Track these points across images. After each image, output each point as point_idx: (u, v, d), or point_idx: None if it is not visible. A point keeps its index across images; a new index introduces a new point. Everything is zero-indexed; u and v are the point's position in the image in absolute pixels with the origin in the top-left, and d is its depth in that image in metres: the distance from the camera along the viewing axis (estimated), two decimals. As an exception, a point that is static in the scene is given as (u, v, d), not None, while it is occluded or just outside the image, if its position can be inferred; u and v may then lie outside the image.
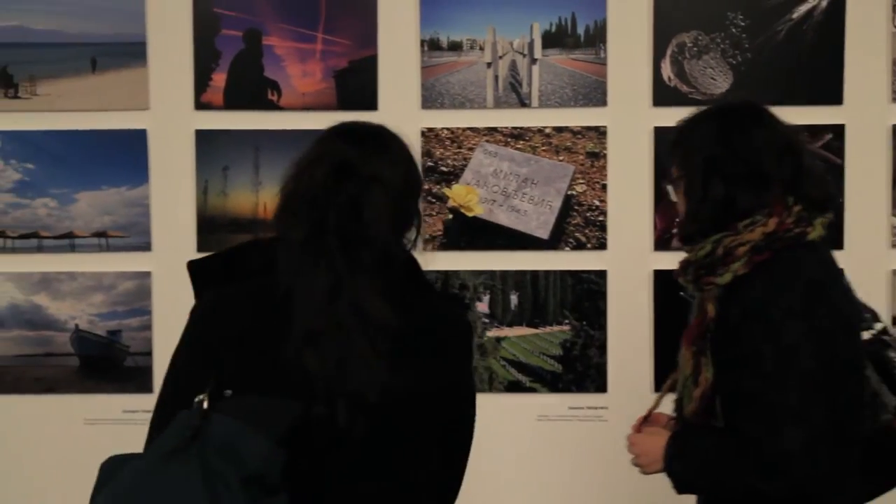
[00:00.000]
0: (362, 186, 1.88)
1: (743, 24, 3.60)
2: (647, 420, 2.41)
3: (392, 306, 1.84)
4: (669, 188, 2.36)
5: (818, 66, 3.60)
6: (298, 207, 1.88)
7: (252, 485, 1.74)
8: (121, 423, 3.66)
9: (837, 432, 2.05)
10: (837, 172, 3.58)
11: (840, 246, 3.58)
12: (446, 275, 3.61)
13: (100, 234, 3.66)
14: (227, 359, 1.85)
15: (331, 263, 1.84)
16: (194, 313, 1.96)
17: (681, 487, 2.21)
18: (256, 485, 1.74)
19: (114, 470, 1.84)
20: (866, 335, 2.28)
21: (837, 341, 2.07)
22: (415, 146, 3.50)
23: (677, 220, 2.33)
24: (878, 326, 2.32)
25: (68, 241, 3.66)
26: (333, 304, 1.82)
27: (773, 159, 2.17)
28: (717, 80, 3.61)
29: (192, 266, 2.01)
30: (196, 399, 1.80)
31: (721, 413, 2.13)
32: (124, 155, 3.63)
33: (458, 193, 3.63)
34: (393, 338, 1.84)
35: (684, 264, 2.24)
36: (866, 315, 2.29)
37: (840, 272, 2.22)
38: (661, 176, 3.58)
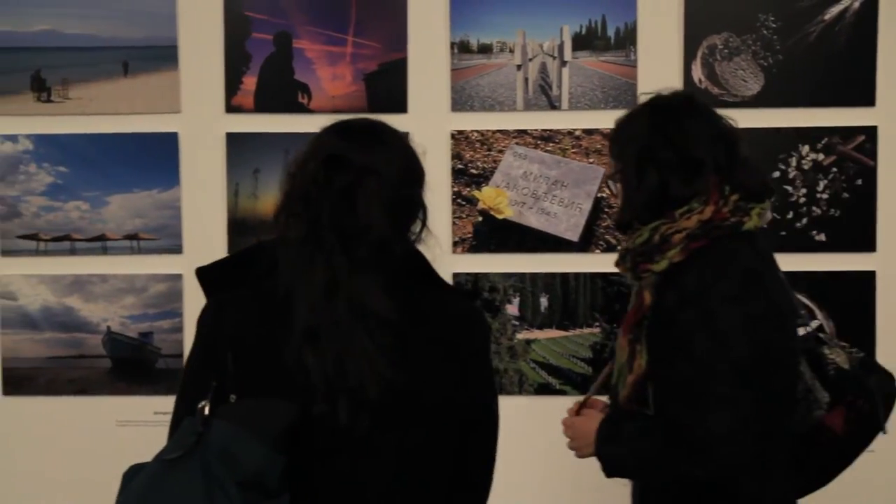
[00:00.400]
0: (354, 178, 1.85)
1: (774, 25, 3.59)
2: (585, 405, 2.41)
3: (394, 300, 1.83)
4: (609, 184, 2.39)
5: (850, 68, 3.59)
6: (294, 206, 1.88)
7: (250, 489, 1.75)
8: (152, 424, 3.69)
9: (765, 421, 2.07)
10: (870, 174, 3.57)
11: (872, 248, 3.57)
12: (476, 277, 3.62)
13: (131, 237, 3.69)
14: (231, 362, 1.85)
15: (328, 260, 1.82)
16: (200, 319, 1.97)
17: (610, 471, 2.24)
18: (254, 489, 1.75)
19: (130, 478, 1.87)
20: (802, 331, 2.30)
21: (770, 331, 2.09)
22: (444, 149, 3.57)
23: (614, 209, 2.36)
24: (814, 324, 2.34)
25: (100, 244, 3.70)
26: (331, 301, 1.81)
27: (705, 146, 2.20)
28: (749, 82, 3.61)
29: (201, 272, 2.01)
30: (199, 405, 1.82)
31: (653, 400, 2.15)
32: (156, 158, 3.66)
33: (487, 196, 3.64)
34: (395, 333, 1.82)
35: (623, 252, 2.27)
36: (802, 312, 2.31)
37: (775, 264, 2.25)
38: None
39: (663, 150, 2.19)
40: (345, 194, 1.84)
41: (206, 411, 1.80)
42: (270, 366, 1.84)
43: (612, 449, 2.21)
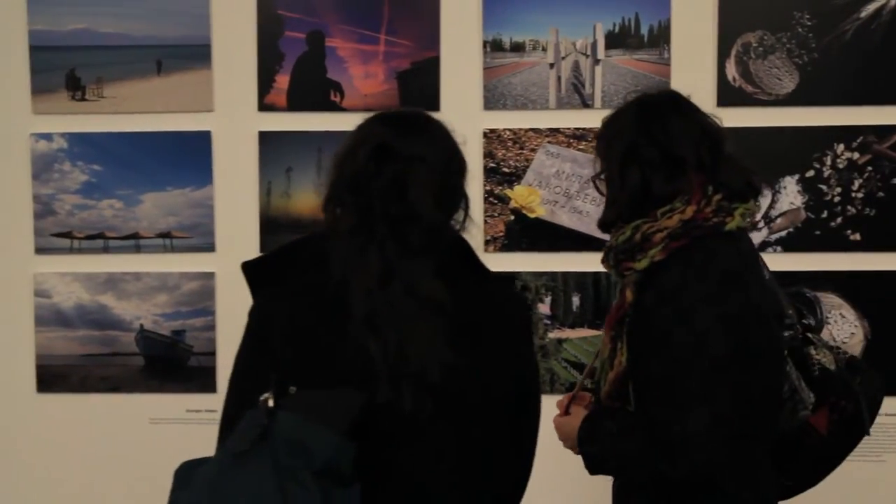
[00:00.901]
0: (403, 166, 1.89)
1: (809, 23, 3.59)
2: (574, 401, 2.42)
3: (446, 286, 1.86)
4: (596, 183, 2.38)
5: (886, 66, 3.59)
6: (343, 196, 1.91)
7: (324, 478, 1.76)
8: (184, 422, 3.73)
9: (743, 420, 2.07)
10: (907, 173, 3.57)
11: (909, 247, 3.57)
12: (511, 279, 3.62)
13: (164, 235, 3.72)
14: (288, 355, 1.88)
15: (380, 248, 1.85)
16: (252, 314, 1.99)
17: (592, 468, 2.26)
18: (329, 478, 1.77)
19: (186, 476, 1.88)
20: (789, 332, 2.31)
21: (749, 331, 2.09)
22: (476, 147, 3.58)
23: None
24: (801, 325, 2.34)
25: (134, 242, 3.73)
26: (387, 288, 1.84)
27: (688, 145, 2.21)
28: (783, 81, 3.60)
29: (247, 267, 2.04)
30: (261, 398, 1.83)
31: (633, 397, 2.16)
32: (189, 156, 3.69)
33: (519, 194, 3.65)
34: (450, 317, 1.85)
35: (606, 250, 2.28)
36: (789, 312, 2.30)
37: (758, 264, 2.25)
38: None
39: (647, 148, 2.20)
40: (394, 182, 1.87)
41: (270, 403, 1.82)
42: (329, 356, 1.87)
43: (592, 447, 2.23)
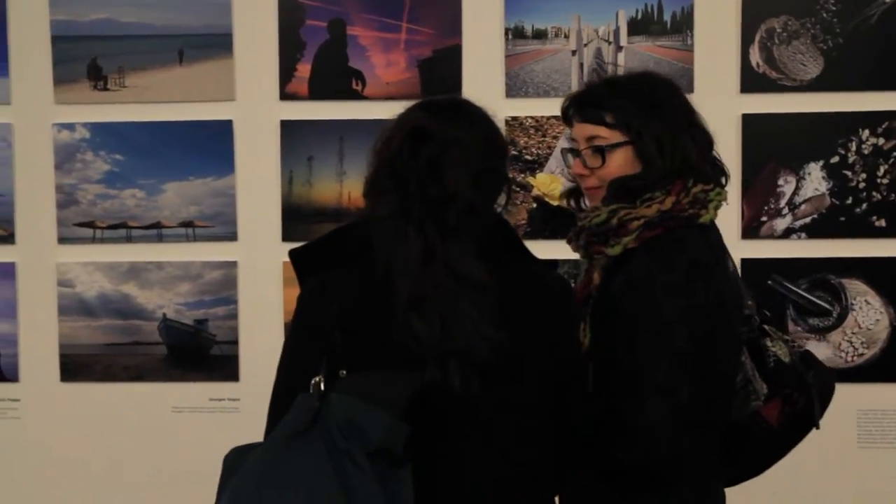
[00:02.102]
0: (439, 149, 1.93)
1: (834, 8, 3.60)
2: None
3: (488, 266, 1.90)
4: (580, 156, 2.33)
5: (912, 51, 3.58)
6: (383, 182, 1.96)
7: (378, 459, 1.80)
8: (207, 411, 3.77)
9: (700, 411, 2.11)
10: (932, 159, 3.58)
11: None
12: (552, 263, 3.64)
13: (186, 224, 3.76)
14: (338, 339, 1.91)
15: (419, 229, 1.90)
16: (301, 300, 2.03)
17: None
18: (383, 459, 1.81)
19: (237, 461, 1.91)
20: (746, 325, 2.33)
21: (712, 323, 2.13)
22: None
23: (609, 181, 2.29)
24: (759, 316, 2.35)
25: (156, 231, 3.77)
26: (428, 269, 1.88)
27: (708, 153, 2.32)
28: (808, 66, 3.61)
29: (295, 254, 2.07)
30: (313, 381, 1.88)
31: (592, 379, 2.18)
32: (211, 145, 3.73)
33: (542, 182, 3.67)
34: (493, 296, 1.89)
35: (577, 231, 2.30)
36: (748, 303, 2.33)
37: (725, 257, 2.28)
38: (749, 164, 3.60)
39: (698, 131, 2.31)
40: (431, 165, 1.92)
41: (322, 387, 1.87)
42: (378, 340, 1.91)
43: None
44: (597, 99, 2.32)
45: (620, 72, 3.63)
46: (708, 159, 2.29)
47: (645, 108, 2.27)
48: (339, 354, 1.90)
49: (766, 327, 2.36)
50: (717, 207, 2.25)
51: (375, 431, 1.80)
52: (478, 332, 1.87)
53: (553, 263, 2.14)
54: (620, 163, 2.26)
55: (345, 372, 1.88)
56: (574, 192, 2.41)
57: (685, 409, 2.08)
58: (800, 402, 2.29)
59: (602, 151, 2.26)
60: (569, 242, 2.34)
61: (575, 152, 2.33)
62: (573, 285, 2.34)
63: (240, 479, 1.85)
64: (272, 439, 1.87)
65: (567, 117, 2.37)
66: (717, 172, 2.32)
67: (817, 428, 2.34)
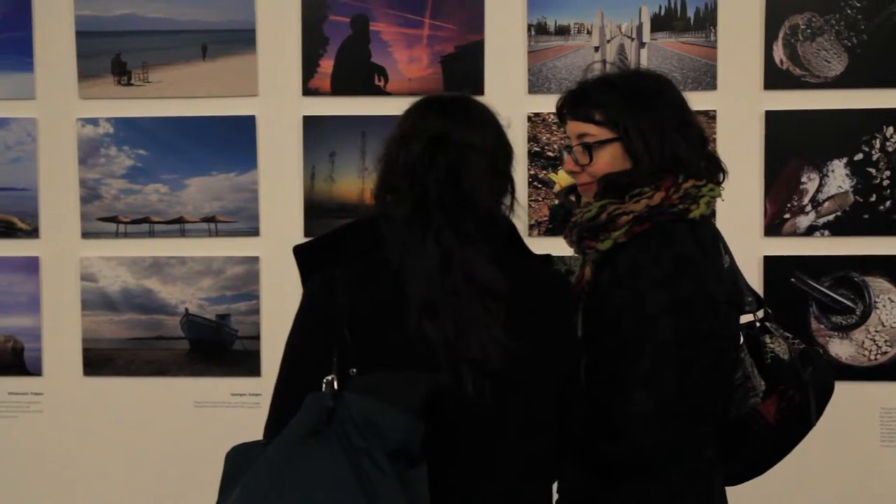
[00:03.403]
0: (458, 155, 1.96)
1: (858, 4, 3.61)
2: None
3: (500, 271, 1.93)
4: (573, 152, 2.36)
5: (937, 48, 3.60)
6: (397, 184, 1.97)
7: (396, 458, 1.82)
8: (229, 406, 3.80)
9: (686, 405, 2.14)
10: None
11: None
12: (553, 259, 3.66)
13: (209, 220, 3.80)
14: (347, 338, 1.91)
15: (437, 236, 1.92)
16: (309, 295, 2.02)
17: None
18: (400, 457, 1.82)
19: (241, 459, 1.92)
20: (747, 318, 2.37)
21: (697, 316, 2.15)
22: (521, 131, 3.63)
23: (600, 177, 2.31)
24: (761, 313, 2.36)
25: (179, 227, 3.82)
26: (446, 276, 1.91)
27: (699, 151, 2.31)
28: (832, 63, 3.62)
29: (299, 250, 2.08)
30: (325, 380, 1.87)
31: (584, 373, 2.20)
32: (233, 141, 3.78)
33: (564, 179, 3.68)
34: (506, 302, 1.92)
35: (571, 226, 2.34)
36: (749, 299, 2.36)
37: (717, 251, 2.29)
38: (772, 161, 3.61)
39: (689, 128, 2.29)
40: (449, 171, 1.95)
41: (335, 386, 1.87)
42: (388, 340, 1.92)
43: None
44: (586, 97, 2.35)
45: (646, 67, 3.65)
46: (701, 155, 2.30)
47: (633, 105, 2.29)
48: (348, 352, 1.90)
49: (767, 324, 2.39)
50: (709, 203, 2.26)
51: (395, 431, 1.80)
52: (492, 339, 1.89)
53: (550, 256, 2.15)
54: (608, 159, 2.29)
55: (355, 370, 1.89)
56: (573, 189, 2.44)
57: (670, 402, 2.11)
58: (795, 399, 2.30)
59: (590, 148, 2.30)
60: (565, 238, 2.38)
61: (569, 149, 2.36)
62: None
63: (252, 478, 1.84)
64: (285, 438, 1.86)
65: (561, 115, 2.41)
66: (713, 169, 2.33)
67: (812, 426, 2.35)
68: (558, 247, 3.67)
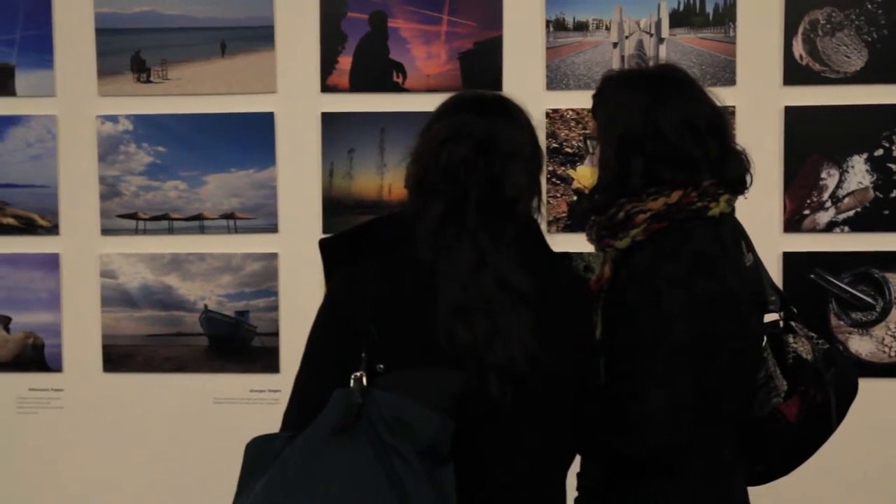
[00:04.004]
0: (503, 162, 1.95)
1: (879, -1, 3.60)
2: None
3: (530, 276, 1.94)
4: (588, 143, 2.39)
5: (958, 43, 3.59)
6: (437, 184, 1.95)
7: (426, 456, 1.82)
8: (248, 402, 3.82)
9: (704, 404, 2.13)
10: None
11: None
12: (570, 255, 3.65)
13: (228, 216, 3.83)
14: (374, 333, 1.91)
15: (474, 239, 1.92)
16: (333, 290, 2.01)
17: None
18: (429, 455, 1.82)
19: (263, 451, 1.91)
20: (771, 317, 2.34)
21: (715, 315, 2.12)
22: (539, 127, 3.61)
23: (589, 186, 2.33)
24: (785, 312, 2.34)
25: (198, 223, 3.84)
26: (478, 280, 1.91)
27: (698, 142, 2.21)
28: (852, 58, 3.62)
29: (325, 244, 2.09)
30: (353, 376, 1.86)
31: (603, 372, 2.20)
32: (252, 138, 3.80)
33: (582, 175, 3.69)
34: (534, 307, 1.93)
35: (591, 223, 2.32)
36: (772, 298, 2.33)
37: (739, 249, 2.27)
38: (791, 157, 3.60)
39: (654, 142, 2.20)
40: (495, 178, 1.94)
41: (364, 382, 1.86)
42: (417, 339, 1.91)
43: None
44: (596, 93, 2.36)
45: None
46: (719, 171, 2.24)
47: (602, 106, 2.31)
48: (375, 349, 1.89)
49: (792, 323, 2.37)
50: (728, 201, 2.24)
51: (426, 429, 1.80)
52: (521, 345, 1.90)
53: (569, 255, 2.16)
54: (595, 160, 2.32)
55: (382, 367, 1.88)
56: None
57: (685, 401, 2.10)
58: (817, 399, 2.29)
59: (587, 141, 2.34)
60: (587, 236, 2.37)
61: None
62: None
63: (279, 471, 1.83)
64: (312, 433, 1.85)
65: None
66: (731, 169, 2.29)
67: (832, 429, 2.33)
68: (576, 243, 3.69)
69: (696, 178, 2.19)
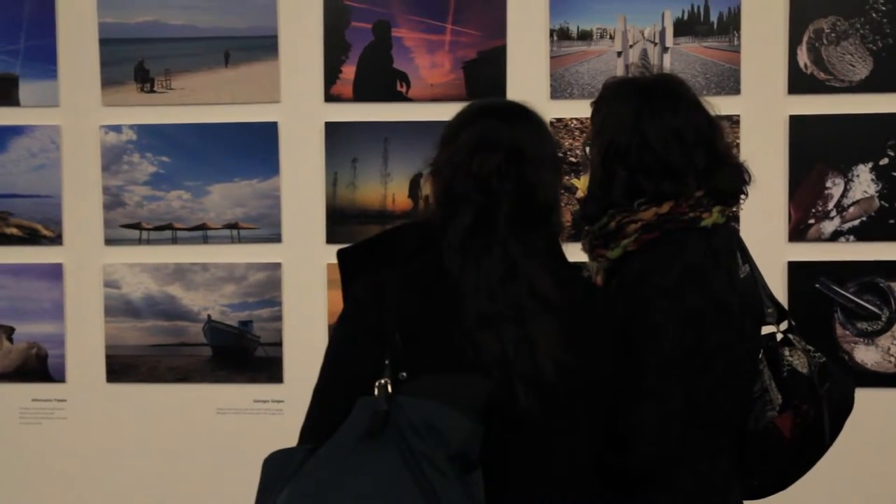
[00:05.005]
0: (534, 171, 1.97)
1: (884, 8, 3.62)
2: None
3: (557, 285, 1.95)
4: (587, 150, 2.38)
5: (963, 51, 3.59)
6: (468, 193, 1.96)
7: (455, 462, 1.82)
8: (251, 412, 3.83)
9: (696, 416, 2.12)
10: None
11: None
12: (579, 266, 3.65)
13: (232, 226, 3.84)
14: (398, 342, 1.91)
15: (505, 249, 1.92)
16: (355, 299, 2.00)
17: None
18: (459, 462, 1.82)
19: (283, 464, 1.90)
20: (768, 330, 2.34)
21: (706, 327, 2.12)
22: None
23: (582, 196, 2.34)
24: (784, 325, 2.33)
25: (201, 233, 3.85)
26: (508, 288, 1.91)
27: (683, 152, 2.21)
28: (857, 67, 3.62)
29: (344, 254, 2.09)
30: (378, 383, 1.86)
31: None
32: (256, 147, 3.82)
33: (584, 185, 3.67)
34: (561, 316, 1.94)
35: (585, 233, 2.33)
36: (769, 310, 2.33)
37: (733, 260, 2.26)
38: (796, 166, 3.60)
39: (639, 152, 2.21)
40: (527, 187, 1.95)
41: (389, 389, 1.85)
42: (441, 348, 1.91)
43: None
44: (595, 100, 2.37)
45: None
46: (710, 183, 2.24)
47: (596, 114, 2.33)
48: (398, 357, 1.89)
49: (790, 336, 2.36)
50: (722, 211, 2.25)
51: (456, 435, 1.80)
52: (548, 354, 1.90)
53: (581, 266, 2.17)
54: (588, 181, 2.35)
55: (405, 375, 1.88)
56: None
57: (676, 414, 2.10)
58: (810, 414, 2.27)
59: (585, 150, 2.34)
60: (581, 246, 2.38)
61: None
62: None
63: (305, 481, 1.82)
64: (338, 442, 1.85)
65: None
66: (727, 192, 2.29)
67: (826, 446, 2.32)
68: (580, 253, 3.69)
69: (683, 189, 2.19)
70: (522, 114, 2.06)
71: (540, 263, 1.93)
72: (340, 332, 2.01)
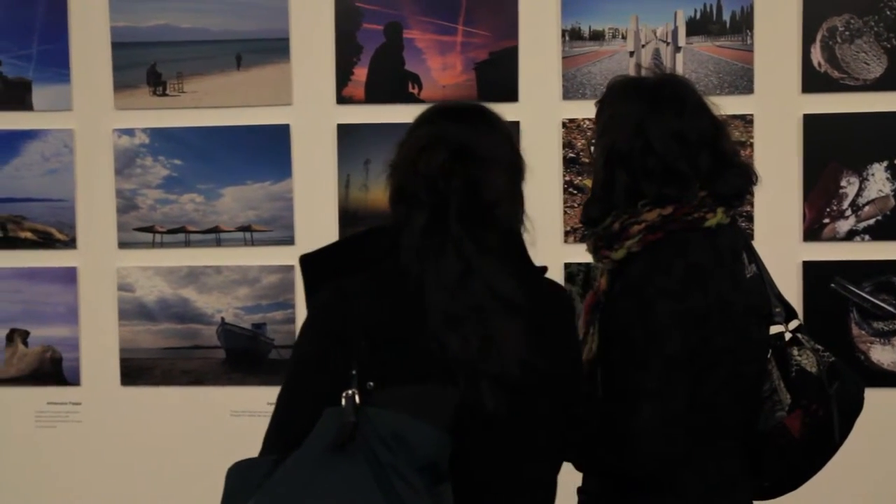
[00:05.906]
0: (480, 168, 1.95)
1: (898, 6, 3.59)
2: None
3: (516, 283, 1.93)
4: (592, 150, 2.39)
5: (978, 49, 3.58)
6: (418, 194, 1.94)
7: (424, 474, 1.80)
8: (265, 415, 3.73)
9: (701, 418, 2.13)
10: None
11: None
12: (588, 267, 3.66)
13: (245, 229, 3.85)
14: (365, 349, 1.87)
15: (458, 247, 1.91)
16: (319, 306, 1.96)
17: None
18: (428, 474, 1.81)
19: (248, 476, 1.89)
20: (776, 329, 2.33)
21: (710, 328, 2.12)
22: (556, 137, 3.63)
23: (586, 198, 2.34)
24: (793, 324, 2.31)
25: (214, 236, 3.87)
26: (467, 288, 1.90)
27: (686, 155, 2.20)
28: (871, 65, 3.61)
29: (307, 259, 2.04)
30: (345, 394, 1.81)
31: (600, 385, 2.20)
32: (268, 150, 3.84)
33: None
34: (524, 316, 1.92)
35: (589, 234, 2.32)
36: (777, 310, 2.32)
37: (738, 260, 2.25)
38: (811, 165, 3.59)
39: (642, 154, 2.20)
40: (471, 184, 1.94)
41: (357, 400, 1.81)
42: (407, 352, 1.89)
43: None
44: (599, 100, 2.38)
45: (679, 73, 3.63)
46: (713, 186, 2.23)
47: (599, 115, 2.34)
48: (365, 365, 1.85)
49: (799, 336, 2.35)
50: (726, 212, 2.24)
51: (425, 446, 1.77)
52: (513, 354, 1.89)
53: (545, 268, 2.16)
54: (591, 182, 2.37)
55: (372, 384, 1.84)
56: None
57: (679, 415, 2.10)
58: (819, 413, 2.26)
59: (590, 149, 2.36)
60: (586, 247, 2.38)
61: None
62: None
63: (270, 495, 1.79)
64: (304, 454, 1.80)
65: None
66: (730, 194, 2.28)
67: (837, 445, 2.29)
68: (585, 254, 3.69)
69: (686, 194, 2.19)
70: (477, 114, 2.04)
71: (496, 261, 1.91)
72: (305, 340, 1.97)
